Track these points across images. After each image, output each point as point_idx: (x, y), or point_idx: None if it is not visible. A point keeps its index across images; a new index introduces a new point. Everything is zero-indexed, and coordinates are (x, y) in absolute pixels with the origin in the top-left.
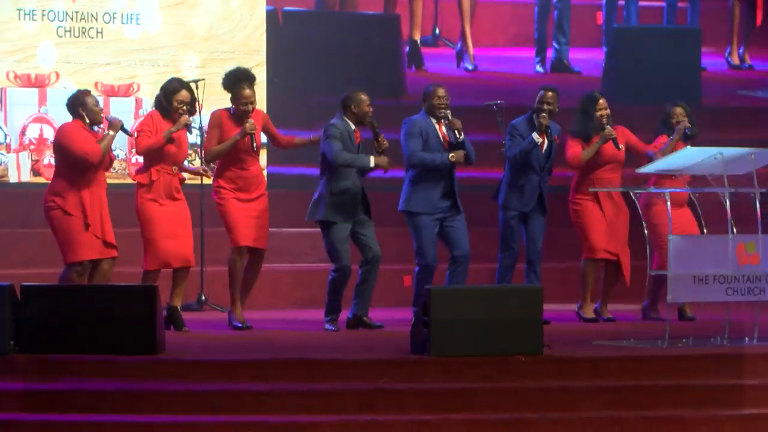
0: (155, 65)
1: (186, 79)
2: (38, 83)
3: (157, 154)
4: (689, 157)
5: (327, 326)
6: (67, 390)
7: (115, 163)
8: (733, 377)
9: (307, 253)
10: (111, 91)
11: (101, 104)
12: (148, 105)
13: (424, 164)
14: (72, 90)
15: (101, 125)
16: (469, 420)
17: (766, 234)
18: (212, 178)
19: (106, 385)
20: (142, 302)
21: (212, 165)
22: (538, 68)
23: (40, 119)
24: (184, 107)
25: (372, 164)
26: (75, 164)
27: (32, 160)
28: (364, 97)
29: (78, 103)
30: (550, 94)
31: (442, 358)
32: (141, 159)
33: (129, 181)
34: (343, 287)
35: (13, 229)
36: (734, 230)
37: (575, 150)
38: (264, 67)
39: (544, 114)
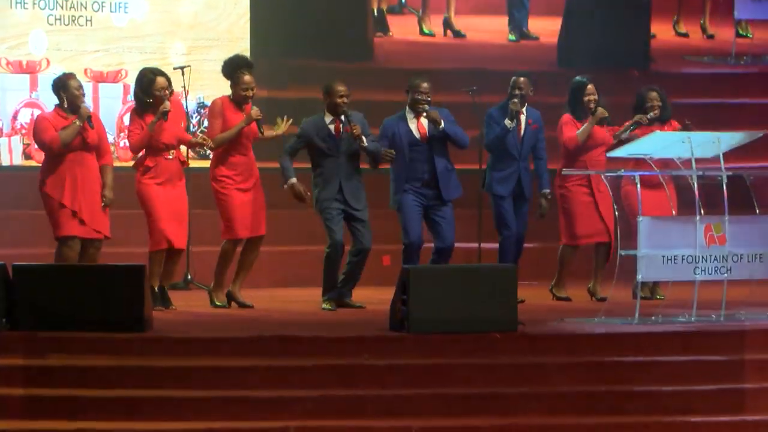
0: (143, 52)
1: (173, 65)
2: (29, 69)
3: (149, 146)
4: (658, 141)
5: (323, 306)
6: (57, 366)
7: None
8: (701, 353)
9: (288, 234)
10: (100, 78)
11: (88, 89)
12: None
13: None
14: None
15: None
16: (446, 394)
17: (733, 215)
18: (210, 161)
19: (94, 361)
20: (129, 281)
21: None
22: (510, 36)
23: (31, 104)
24: (164, 92)
25: (286, 186)
26: (44, 151)
27: (23, 143)
28: (339, 88)
29: (60, 86)
30: (521, 80)
31: (420, 335)
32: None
33: (122, 164)
34: (336, 264)
35: (5, 210)
36: (702, 211)
37: (571, 133)
38: (248, 54)
39: (515, 100)
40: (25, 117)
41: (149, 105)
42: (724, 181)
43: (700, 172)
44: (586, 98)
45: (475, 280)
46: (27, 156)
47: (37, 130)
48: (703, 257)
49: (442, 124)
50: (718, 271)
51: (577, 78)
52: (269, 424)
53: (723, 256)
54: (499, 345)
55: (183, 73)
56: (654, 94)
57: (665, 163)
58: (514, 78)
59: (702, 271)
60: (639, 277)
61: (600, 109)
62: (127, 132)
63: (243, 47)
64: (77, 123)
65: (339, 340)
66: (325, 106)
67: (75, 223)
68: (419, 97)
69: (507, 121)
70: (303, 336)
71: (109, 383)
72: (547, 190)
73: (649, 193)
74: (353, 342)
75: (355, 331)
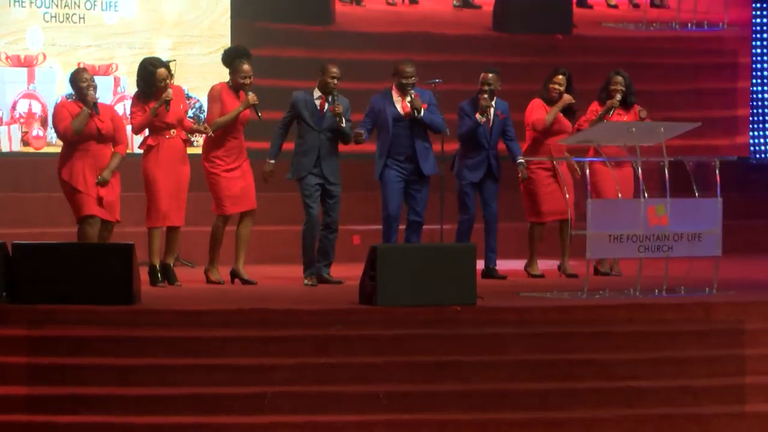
0: (132, 48)
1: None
2: (27, 63)
3: (152, 127)
4: (606, 130)
5: (305, 282)
6: (53, 336)
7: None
8: (645, 324)
9: (267, 214)
10: (92, 71)
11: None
12: (126, 83)
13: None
14: (57, 69)
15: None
16: (410, 362)
17: (674, 198)
18: (203, 143)
19: (87, 332)
20: (120, 259)
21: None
22: (455, 2)
23: (28, 95)
24: (166, 81)
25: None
26: (60, 138)
27: (22, 131)
28: (333, 69)
29: (72, 79)
30: (490, 75)
31: (387, 308)
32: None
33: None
34: (313, 237)
35: (5, 193)
36: (646, 194)
37: (540, 115)
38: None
39: (485, 96)
40: (23, 107)
41: (150, 93)
42: (666, 166)
43: (644, 159)
44: (551, 85)
45: (437, 257)
46: (25, 143)
47: (55, 119)
48: (646, 236)
49: (422, 113)
50: (660, 250)
51: (553, 69)
52: (249, 389)
53: (665, 236)
54: (460, 317)
55: (169, 67)
56: (619, 78)
57: (629, 150)
58: (482, 74)
59: (646, 249)
60: (588, 255)
61: (566, 95)
62: (130, 115)
63: (224, 43)
64: (86, 110)
65: (313, 313)
66: (317, 82)
67: (93, 203)
68: (405, 81)
69: (478, 116)
70: (280, 309)
71: (102, 352)
72: (522, 159)
73: (616, 172)
74: (326, 315)
75: (327, 304)
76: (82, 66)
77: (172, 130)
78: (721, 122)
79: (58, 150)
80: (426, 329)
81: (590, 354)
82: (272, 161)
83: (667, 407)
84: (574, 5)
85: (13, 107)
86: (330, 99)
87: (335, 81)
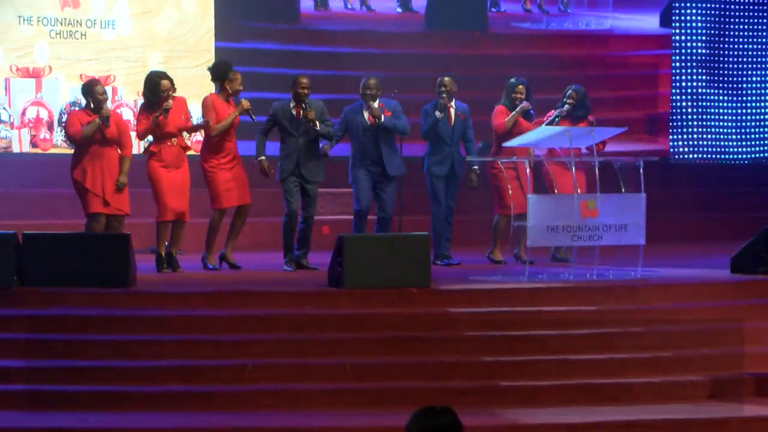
0: (127, 61)
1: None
2: (35, 75)
3: (154, 134)
4: (544, 133)
5: (285, 267)
6: (58, 315)
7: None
8: (579, 304)
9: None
10: None
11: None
12: (122, 92)
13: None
14: (61, 80)
15: (101, 112)
16: (373, 338)
17: (604, 193)
18: (201, 147)
19: (88, 311)
20: (117, 247)
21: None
22: (398, 9)
23: (36, 103)
24: (169, 92)
25: (256, 161)
26: (70, 142)
27: (31, 135)
28: (302, 80)
29: (86, 90)
30: (446, 79)
31: (352, 290)
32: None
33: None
34: (292, 228)
35: (16, 189)
36: (579, 190)
37: (500, 119)
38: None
39: (443, 95)
40: (32, 113)
41: (155, 103)
42: (597, 166)
43: (577, 158)
44: (514, 95)
45: (396, 246)
46: (33, 145)
47: (66, 123)
48: (579, 227)
49: (382, 119)
50: (591, 238)
51: (512, 80)
52: (232, 362)
53: (596, 226)
54: (416, 298)
55: (172, 80)
56: (572, 93)
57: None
58: (440, 78)
59: (578, 238)
60: (528, 243)
61: (525, 103)
62: (136, 122)
63: (208, 57)
64: (97, 121)
65: (287, 294)
66: (291, 93)
67: (99, 203)
68: (366, 92)
69: (437, 113)
70: (259, 291)
71: (101, 329)
72: (476, 167)
73: (567, 173)
74: (299, 296)
75: (300, 287)
76: (95, 78)
77: (173, 139)
78: (645, 127)
79: (63, 151)
80: (386, 308)
81: (530, 330)
82: (263, 157)
83: (598, 377)
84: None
85: (23, 113)
86: (303, 106)
87: (306, 91)
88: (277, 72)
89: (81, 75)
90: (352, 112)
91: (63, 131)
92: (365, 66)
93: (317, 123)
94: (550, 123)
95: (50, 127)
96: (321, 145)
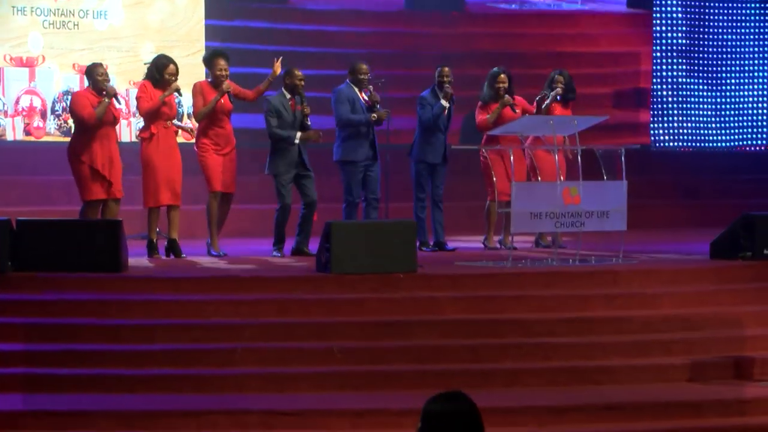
0: (119, 51)
1: (143, 61)
2: (28, 64)
3: (155, 114)
4: (528, 122)
5: (274, 253)
6: (51, 300)
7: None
8: (560, 289)
9: (239, 196)
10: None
11: (76, 81)
12: (115, 82)
13: (351, 124)
14: (54, 69)
15: (105, 92)
16: (360, 322)
17: (586, 180)
18: (195, 137)
19: (81, 295)
20: (108, 233)
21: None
22: None
23: (30, 92)
24: (174, 77)
25: (296, 140)
26: (80, 124)
27: (24, 123)
28: (297, 73)
29: (88, 73)
30: (447, 69)
31: (340, 275)
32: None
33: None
34: (285, 221)
35: (10, 176)
36: (562, 177)
37: (482, 117)
38: (203, 53)
39: (447, 85)
40: (26, 102)
41: (159, 82)
42: (579, 154)
43: (559, 147)
44: (497, 85)
45: (383, 232)
46: (27, 133)
47: (76, 106)
48: (562, 214)
49: (377, 107)
50: (574, 225)
51: (494, 69)
52: (222, 345)
53: (578, 213)
54: (402, 283)
55: (177, 66)
56: (560, 78)
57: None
58: (439, 68)
59: (561, 224)
60: (512, 229)
61: (506, 96)
62: (137, 99)
63: (199, 47)
64: (106, 101)
65: (276, 280)
66: (283, 84)
67: (99, 189)
68: (362, 77)
69: (443, 102)
70: (248, 276)
71: (93, 313)
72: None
73: (551, 158)
74: (287, 281)
75: (289, 272)
76: (75, 66)
77: (169, 122)
78: (627, 116)
79: (56, 139)
80: (373, 293)
81: (513, 314)
82: (297, 134)
83: (579, 360)
84: None
85: (17, 102)
86: (297, 99)
87: (302, 83)
88: (266, 49)
89: (74, 64)
90: (349, 91)
91: (71, 114)
92: (352, 45)
93: (309, 120)
94: (545, 107)
95: (43, 116)
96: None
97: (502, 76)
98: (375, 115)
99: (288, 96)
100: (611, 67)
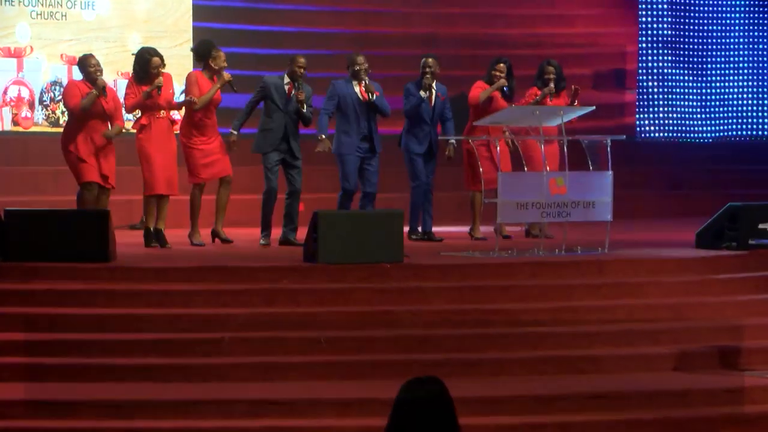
0: (107, 41)
1: (131, 52)
2: (16, 54)
3: (143, 107)
4: (514, 113)
5: (261, 241)
6: (40, 289)
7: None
8: (547, 279)
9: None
10: (73, 61)
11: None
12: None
13: (319, 125)
14: (42, 60)
15: (96, 83)
16: (347, 311)
17: (572, 171)
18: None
19: (69, 285)
20: (97, 223)
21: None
22: None
23: (18, 82)
24: (158, 70)
25: (231, 138)
26: (69, 114)
27: (12, 113)
28: (300, 60)
29: (80, 64)
30: (430, 60)
31: (327, 265)
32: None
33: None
34: (271, 205)
35: None
36: (548, 168)
37: (476, 92)
38: (191, 43)
39: (427, 76)
40: (14, 92)
41: (144, 78)
42: (565, 144)
43: (546, 137)
44: (494, 72)
45: (370, 222)
46: (15, 123)
47: (66, 96)
48: (548, 204)
49: (374, 97)
50: (560, 215)
51: (495, 57)
52: (209, 335)
53: (564, 203)
54: (389, 273)
55: (162, 57)
56: (551, 68)
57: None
58: (423, 60)
59: (547, 214)
60: (498, 219)
61: (501, 80)
62: (124, 96)
63: (186, 38)
64: (94, 92)
65: (263, 269)
66: (287, 70)
67: (94, 172)
68: (358, 69)
69: (421, 92)
70: (236, 266)
71: (82, 302)
72: (453, 141)
73: (545, 148)
74: (274, 270)
75: (276, 262)
76: (63, 56)
77: (162, 111)
78: (613, 107)
79: (44, 129)
80: (360, 283)
81: (500, 304)
82: (236, 132)
83: (565, 349)
84: None
85: (5, 92)
86: (296, 85)
87: (302, 70)
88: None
89: (62, 55)
90: (341, 86)
91: (63, 102)
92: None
93: (305, 105)
94: (539, 101)
95: (31, 106)
96: (322, 137)
97: (501, 65)
98: (322, 140)
99: (287, 80)
100: (590, 48)
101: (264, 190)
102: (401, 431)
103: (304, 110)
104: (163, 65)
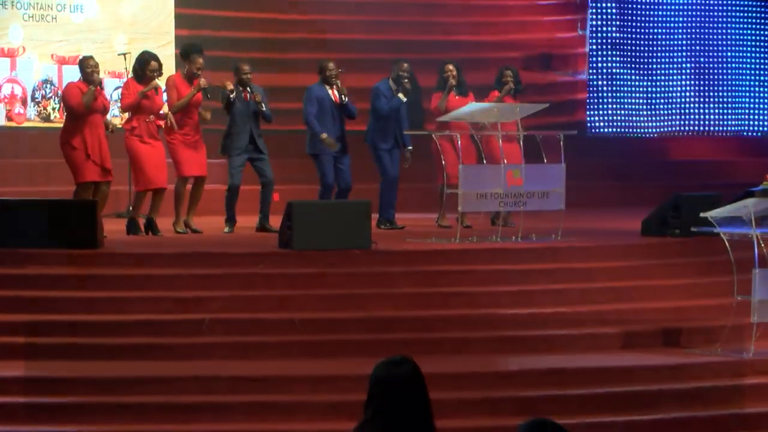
0: (95, 42)
1: (117, 52)
2: (9, 54)
3: (136, 108)
4: (473, 108)
5: (225, 230)
6: (33, 274)
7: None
8: (504, 264)
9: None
10: (63, 61)
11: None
12: None
13: (311, 128)
14: (34, 59)
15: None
16: (319, 294)
17: (528, 164)
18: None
19: (60, 270)
20: (85, 212)
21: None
22: None
23: (11, 80)
24: (155, 73)
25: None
26: (71, 113)
27: (6, 110)
28: (244, 67)
29: (80, 65)
30: (405, 65)
31: (301, 251)
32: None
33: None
34: (234, 200)
35: None
36: (505, 161)
37: (435, 102)
38: (173, 44)
39: (406, 80)
40: (7, 90)
41: (142, 78)
42: (521, 138)
43: (504, 133)
44: (445, 74)
45: (339, 211)
46: (8, 119)
47: (67, 95)
48: (506, 194)
49: (345, 100)
50: (516, 204)
51: (445, 60)
52: (191, 316)
53: (520, 194)
54: (358, 258)
55: (125, 58)
56: (509, 72)
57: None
58: (400, 63)
59: (505, 204)
60: (459, 208)
61: (451, 81)
62: (120, 95)
63: (169, 39)
64: (92, 88)
65: (242, 255)
66: (235, 80)
67: (92, 171)
68: (330, 74)
69: (401, 96)
70: (215, 252)
71: (71, 286)
72: (410, 147)
73: (506, 145)
74: (252, 256)
75: (253, 248)
76: (54, 56)
77: (151, 116)
78: (566, 105)
79: (36, 125)
80: (331, 268)
81: (461, 287)
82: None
83: (521, 330)
84: None
85: None
86: (249, 90)
87: (248, 76)
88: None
89: (52, 55)
90: (317, 90)
91: (63, 104)
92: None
93: (263, 104)
94: (498, 99)
95: (24, 103)
96: (324, 135)
97: (449, 66)
98: (325, 137)
99: (240, 89)
100: (545, 49)
101: (227, 186)
102: (380, 407)
103: (264, 109)
104: (160, 72)
